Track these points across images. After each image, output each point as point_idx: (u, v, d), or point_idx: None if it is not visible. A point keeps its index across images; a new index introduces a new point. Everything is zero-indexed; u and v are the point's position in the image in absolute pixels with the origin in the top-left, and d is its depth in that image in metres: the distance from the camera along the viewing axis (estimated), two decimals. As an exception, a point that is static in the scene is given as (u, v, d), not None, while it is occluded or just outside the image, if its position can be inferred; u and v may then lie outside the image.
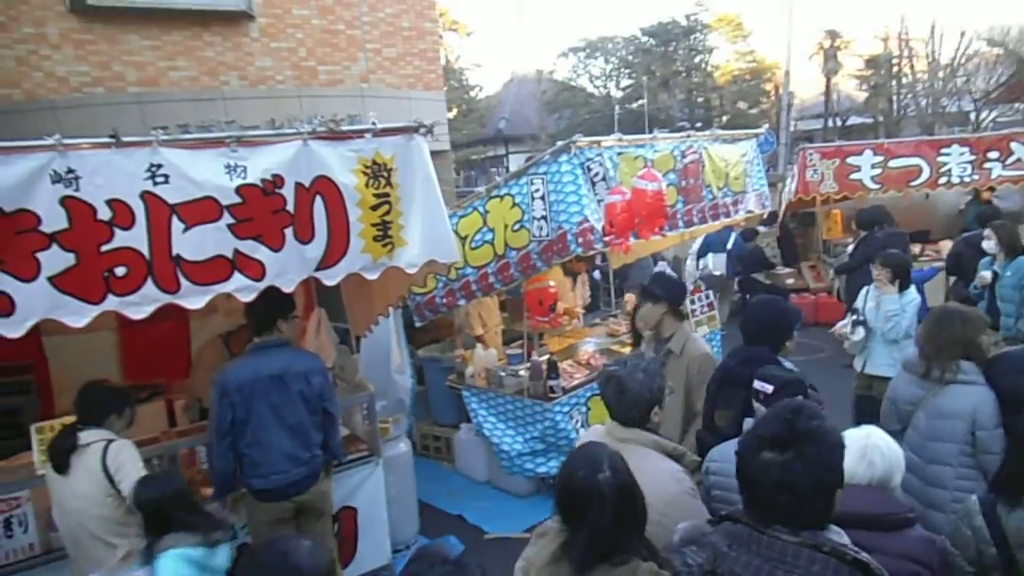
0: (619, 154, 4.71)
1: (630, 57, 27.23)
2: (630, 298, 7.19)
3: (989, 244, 5.39)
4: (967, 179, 7.97)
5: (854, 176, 8.31)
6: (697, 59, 27.25)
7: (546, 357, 5.23)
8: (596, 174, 4.55)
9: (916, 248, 9.22)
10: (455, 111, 31.24)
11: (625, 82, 28.99)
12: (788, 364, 3.04)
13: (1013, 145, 7.82)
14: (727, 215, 5.74)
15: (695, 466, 2.49)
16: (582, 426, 5.10)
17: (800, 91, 27.46)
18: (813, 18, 27.13)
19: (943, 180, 8.03)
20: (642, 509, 1.86)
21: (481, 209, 4.97)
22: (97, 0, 7.18)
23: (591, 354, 5.61)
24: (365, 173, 3.42)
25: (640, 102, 26.10)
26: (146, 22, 7.51)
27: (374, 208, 3.46)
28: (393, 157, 3.50)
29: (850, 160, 8.33)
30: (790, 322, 3.25)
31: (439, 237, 3.64)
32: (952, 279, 6.85)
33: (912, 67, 22.37)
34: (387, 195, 3.50)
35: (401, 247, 3.57)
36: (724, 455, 2.49)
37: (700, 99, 28.19)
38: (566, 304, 6.78)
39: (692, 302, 6.32)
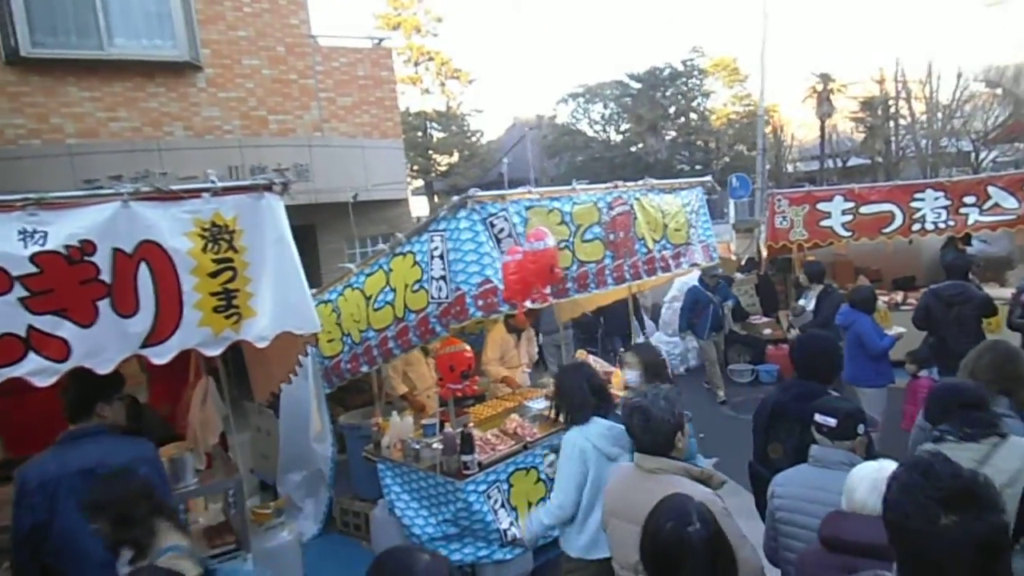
0: (528, 208, 4.34)
1: (628, 101, 27.26)
2: (583, 354, 6.77)
3: None
4: (942, 225, 7.52)
5: (824, 223, 7.90)
6: (694, 103, 27.26)
7: (460, 429, 4.77)
8: (501, 230, 4.18)
9: (899, 296, 8.75)
10: (456, 156, 31.49)
11: (624, 126, 29.00)
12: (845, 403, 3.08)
13: (991, 189, 7.38)
14: (666, 269, 5.33)
15: (720, 485, 2.60)
16: (501, 506, 4.62)
17: (799, 133, 27.35)
18: (807, 61, 27.13)
19: (916, 227, 7.59)
20: (733, 561, 1.83)
21: (385, 267, 4.61)
22: (34, 52, 7.05)
23: (519, 423, 5.14)
24: (202, 236, 3.07)
25: (640, 146, 26.04)
26: (86, 73, 7.36)
27: (213, 275, 3.09)
28: (236, 218, 3.14)
29: (820, 207, 7.92)
30: (840, 356, 3.49)
31: (295, 306, 3.26)
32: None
33: (910, 108, 22.12)
34: (230, 260, 3.14)
35: (250, 318, 3.19)
36: (789, 479, 2.66)
37: (699, 142, 28.14)
38: (509, 364, 6.37)
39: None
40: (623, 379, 5.99)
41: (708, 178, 5.96)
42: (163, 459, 3.71)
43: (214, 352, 3.15)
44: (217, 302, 3.11)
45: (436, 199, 29.77)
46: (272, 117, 8.18)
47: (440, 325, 4.27)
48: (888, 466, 2.08)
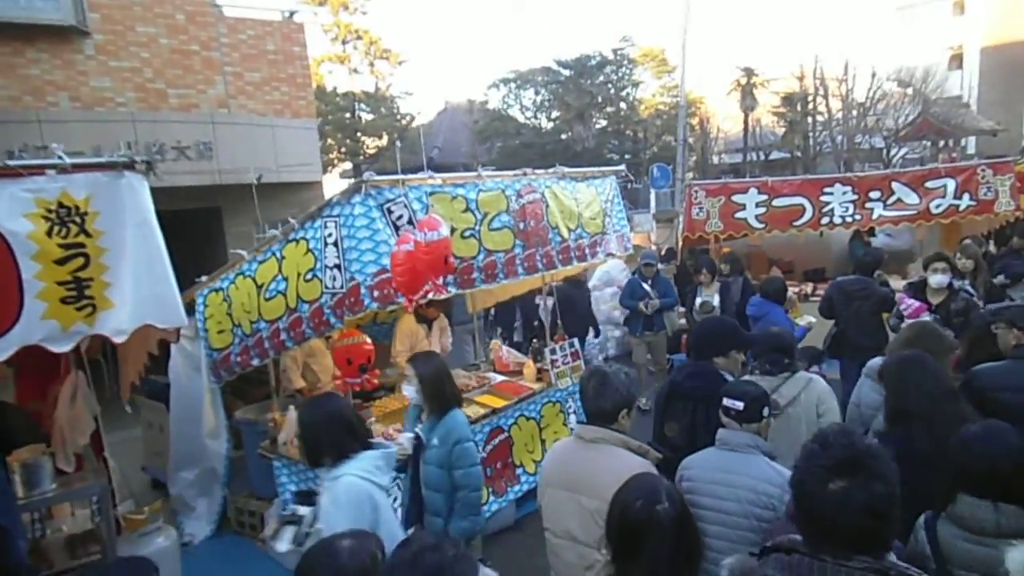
0: (430, 194, 4.14)
1: (558, 88, 27.18)
2: (497, 344, 6.63)
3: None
4: (849, 219, 7.72)
5: (739, 215, 7.98)
6: (623, 92, 27.44)
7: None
8: (399, 217, 3.96)
9: (809, 287, 8.97)
10: (386, 139, 30.73)
11: (555, 113, 28.93)
12: (729, 379, 3.23)
13: (895, 185, 7.61)
14: (582, 258, 5.23)
15: (657, 462, 2.58)
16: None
17: (725, 126, 27.98)
18: (735, 54, 27.79)
19: (825, 220, 7.76)
20: (698, 542, 1.90)
21: (278, 255, 4.32)
22: None
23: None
24: (47, 218, 2.73)
25: (570, 133, 26.05)
26: (-45, 36, 6.66)
27: (61, 262, 2.77)
28: (89, 199, 2.82)
29: (735, 198, 8.00)
30: (734, 339, 3.48)
31: (159, 297, 2.97)
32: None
33: (828, 105, 22.92)
34: (81, 246, 2.81)
35: (106, 310, 2.88)
36: (697, 462, 2.68)
37: (629, 132, 28.39)
38: (419, 354, 6.14)
39: (554, 351, 5.80)
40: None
41: (622, 167, 5.89)
42: (15, 464, 3.36)
43: (63, 348, 2.84)
44: (66, 292, 2.79)
45: (364, 183, 28.90)
46: (172, 91, 7.62)
47: (335, 316, 4.03)
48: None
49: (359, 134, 30.19)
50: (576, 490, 2.55)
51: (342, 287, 3.92)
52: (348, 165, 30.49)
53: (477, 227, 4.41)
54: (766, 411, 2.69)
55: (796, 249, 9.66)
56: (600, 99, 25.95)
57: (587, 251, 5.22)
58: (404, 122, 31.64)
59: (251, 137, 7.89)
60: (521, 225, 4.69)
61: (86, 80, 7.16)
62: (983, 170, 7.32)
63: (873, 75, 21.35)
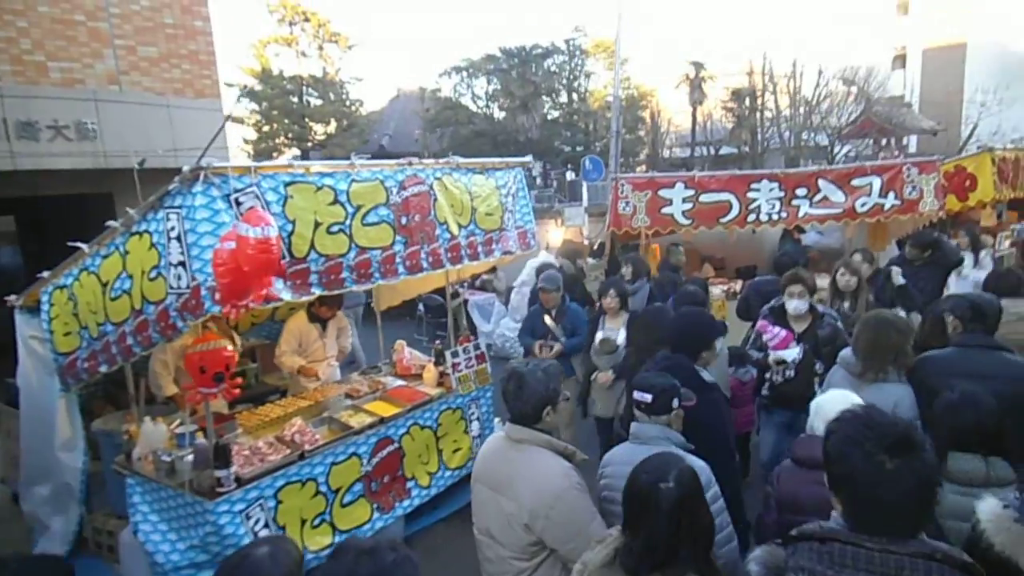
0: (289, 184, 3.70)
1: (504, 77, 26.75)
2: (401, 345, 6.22)
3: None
4: (775, 216, 7.50)
5: (666, 210, 7.70)
6: (575, 83, 27.18)
7: (216, 439, 4.09)
8: (250, 209, 3.51)
9: (739, 285, 8.79)
10: (334, 125, 29.95)
11: (506, 102, 28.51)
12: (705, 374, 3.32)
13: (820, 182, 7.41)
14: (475, 257, 4.85)
15: (581, 461, 2.59)
16: (265, 526, 4.02)
17: (677, 119, 27.96)
18: (686, 48, 27.69)
19: (752, 217, 7.53)
20: (706, 526, 1.90)
21: (121, 249, 3.83)
22: None
23: (300, 428, 4.52)
24: None
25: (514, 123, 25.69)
26: None
27: None
28: None
29: (662, 193, 7.72)
30: (708, 333, 3.51)
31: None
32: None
33: (776, 101, 23.03)
34: None
35: None
36: (613, 458, 2.71)
37: (581, 123, 28.15)
38: (311, 358, 5.71)
39: (456, 354, 5.44)
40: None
41: (528, 158, 5.51)
42: None
43: None
44: None
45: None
46: (53, 64, 6.95)
47: (181, 320, 3.57)
48: (850, 394, 2.56)
49: (306, 119, 29.31)
50: (498, 490, 2.57)
51: (187, 287, 3.47)
52: (296, 151, 29.66)
53: (348, 221, 3.99)
54: (675, 402, 2.69)
55: (728, 246, 9.48)
56: (545, 89, 25.57)
57: (480, 249, 4.84)
58: (353, 108, 30.86)
59: (143, 117, 7.27)
60: (403, 220, 4.29)
61: (-49, 50, 6.48)
62: (908, 169, 7.18)
63: (820, 73, 21.52)
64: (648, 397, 2.67)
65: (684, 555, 1.82)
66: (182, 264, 3.47)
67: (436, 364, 5.62)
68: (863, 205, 7.28)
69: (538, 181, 27.86)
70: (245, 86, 27.55)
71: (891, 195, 7.18)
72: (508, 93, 25.29)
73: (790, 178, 7.58)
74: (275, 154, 29.32)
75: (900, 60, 26.35)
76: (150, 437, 4.28)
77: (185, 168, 3.32)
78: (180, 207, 3.45)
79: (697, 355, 3.42)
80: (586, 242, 10.84)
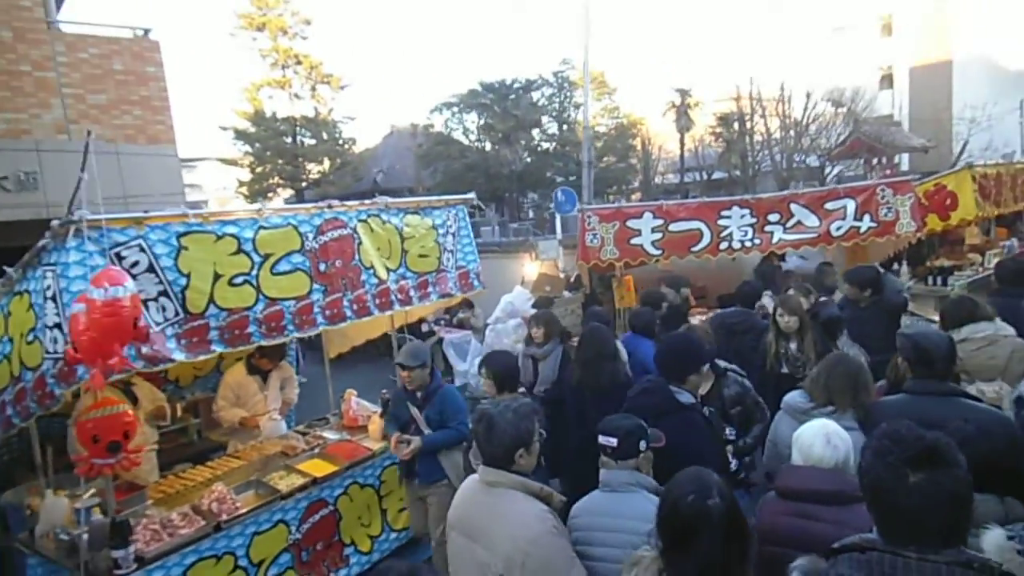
0: (183, 235, 3.42)
1: (496, 110, 26.78)
2: (350, 394, 5.88)
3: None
4: (748, 243, 7.19)
5: (635, 241, 7.40)
6: (564, 114, 27.20)
7: (112, 515, 3.73)
8: (135, 264, 3.24)
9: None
10: (327, 164, 30.09)
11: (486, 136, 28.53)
12: (684, 396, 3.24)
13: (793, 207, 7.11)
14: (406, 302, 4.54)
15: (560, 504, 2.47)
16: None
17: (667, 146, 27.89)
18: (672, 75, 27.76)
19: (724, 245, 7.21)
20: (749, 537, 1.90)
21: (3, 310, 3.54)
22: None
23: (221, 495, 4.16)
24: None
25: (502, 154, 25.64)
26: None
27: None
28: None
29: (630, 223, 7.42)
30: (693, 358, 3.38)
31: None
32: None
33: (766, 124, 22.91)
34: None
35: None
36: (583, 509, 2.57)
37: (573, 153, 28.12)
38: (251, 412, 5.38)
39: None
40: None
41: (471, 195, 5.22)
42: None
43: None
44: None
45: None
46: (-1, 115, 6.79)
47: (59, 387, 3.26)
48: (829, 423, 2.51)
49: (300, 159, 29.43)
50: (472, 537, 2.45)
51: (63, 351, 3.17)
52: (291, 192, 29.73)
53: (254, 271, 3.69)
54: (643, 444, 2.56)
55: (709, 274, 9.14)
56: (529, 122, 25.57)
57: (413, 293, 4.54)
58: (346, 147, 30.99)
59: (91, 165, 7.05)
60: (322, 266, 4.00)
61: None
62: (883, 190, 6.88)
63: (808, 95, 21.41)
64: (613, 441, 2.53)
65: (734, 567, 1.83)
66: (58, 326, 3.17)
67: (382, 415, 5.28)
68: (838, 229, 6.97)
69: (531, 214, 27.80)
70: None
71: (866, 217, 6.86)
72: (488, 127, 25.28)
73: (761, 204, 7.29)
74: (270, 195, 29.44)
75: (887, 80, 26.28)
76: (51, 512, 3.93)
77: (54, 222, 3.04)
78: (55, 264, 3.17)
79: (684, 379, 3.31)
80: (562, 275, 10.53)
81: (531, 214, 27.28)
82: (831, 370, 3.20)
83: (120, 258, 3.20)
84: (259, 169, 29.14)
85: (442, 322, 10.84)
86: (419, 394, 4.20)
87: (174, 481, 4.64)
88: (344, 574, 4.52)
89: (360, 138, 32.61)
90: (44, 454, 4.45)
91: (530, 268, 10.88)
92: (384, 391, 5.80)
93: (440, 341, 10.20)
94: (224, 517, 4.00)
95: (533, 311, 8.83)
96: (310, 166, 30.23)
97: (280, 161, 29.32)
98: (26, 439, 4.37)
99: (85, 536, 3.71)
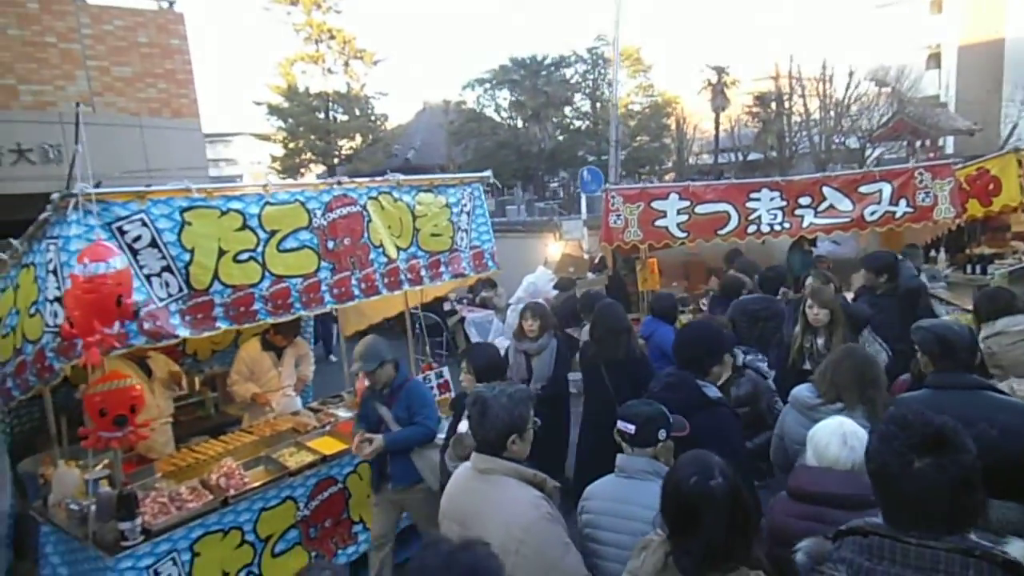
0: (186, 210, 3.38)
1: (527, 86, 26.39)
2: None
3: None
4: (777, 227, 6.97)
5: (660, 223, 7.22)
6: (597, 91, 26.71)
7: (120, 487, 3.76)
8: (138, 239, 3.21)
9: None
10: (359, 140, 30.11)
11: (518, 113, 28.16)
12: (712, 390, 3.10)
13: (825, 190, 6.86)
14: (417, 282, 4.46)
15: (553, 491, 2.43)
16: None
17: (702, 125, 27.24)
18: (710, 53, 27.09)
19: (752, 228, 7.00)
20: (752, 516, 1.91)
21: (13, 283, 3.56)
22: None
23: (229, 470, 4.18)
24: None
25: (534, 132, 25.31)
26: None
27: None
28: None
29: (655, 205, 7.24)
30: (716, 348, 3.23)
31: None
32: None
33: (804, 104, 22.19)
34: None
35: None
36: (595, 492, 2.55)
37: (607, 133, 27.63)
38: (265, 388, 5.39)
39: (427, 380, 5.08)
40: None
41: (487, 173, 5.10)
42: None
43: None
44: None
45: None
46: (24, 87, 6.83)
47: (58, 361, 3.26)
48: (846, 422, 2.40)
49: (332, 135, 29.50)
50: (465, 525, 2.39)
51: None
52: (323, 167, 29.86)
53: (260, 248, 3.65)
54: (662, 433, 2.50)
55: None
56: (559, 99, 25.14)
57: (424, 272, 4.45)
58: (378, 123, 30.96)
59: (114, 138, 7.11)
60: (330, 244, 3.94)
61: (-85, 74, 6.39)
62: (921, 174, 6.58)
63: (851, 74, 20.65)
64: (631, 428, 2.50)
65: (738, 548, 1.82)
66: (58, 300, 3.16)
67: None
68: (872, 213, 6.70)
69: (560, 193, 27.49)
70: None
71: (903, 202, 6.59)
72: (519, 105, 24.94)
73: (792, 186, 7.04)
74: (302, 170, 29.61)
75: (934, 59, 25.21)
76: (63, 482, 3.99)
77: (54, 195, 3.02)
78: (57, 237, 3.15)
79: (706, 370, 3.18)
80: (586, 256, 10.36)
81: (560, 193, 26.93)
82: (838, 364, 3.10)
83: (122, 232, 3.17)
84: (292, 144, 29.30)
85: (464, 301, 10.78)
86: (385, 391, 3.94)
87: (186, 454, 4.68)
88: (352, 551, 4.51)
89: (393, 114, 32.57)
90: (59, 424, 4.51)
91: (554, 248, 10.72)
92: (434, 363, 5.75)
93: (462, 320, 10.16)
94: (232, 492, 4.01)
95: (555, 292, 8.75)
96: (342, 142, 30.25)
97: (312, 137, 29.41)
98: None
99: (93, 507, 3.76)
